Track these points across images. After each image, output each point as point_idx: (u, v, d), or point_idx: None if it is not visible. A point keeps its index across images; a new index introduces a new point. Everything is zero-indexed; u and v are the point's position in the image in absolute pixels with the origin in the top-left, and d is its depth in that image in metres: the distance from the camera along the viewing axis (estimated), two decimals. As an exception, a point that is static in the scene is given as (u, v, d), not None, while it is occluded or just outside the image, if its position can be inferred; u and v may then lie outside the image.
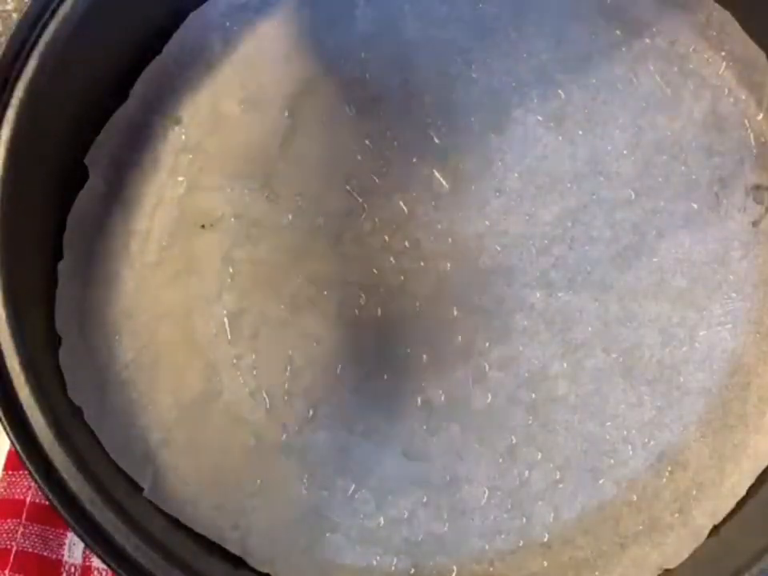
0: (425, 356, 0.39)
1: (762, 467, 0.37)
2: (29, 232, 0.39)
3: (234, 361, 0.39)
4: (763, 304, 0.40)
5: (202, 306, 0.40)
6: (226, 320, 0.40)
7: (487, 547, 0.36)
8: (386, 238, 0.40)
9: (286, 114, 0.42)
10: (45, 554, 0.38)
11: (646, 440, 0.38)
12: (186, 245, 0.41)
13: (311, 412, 0.38)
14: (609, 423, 0.38)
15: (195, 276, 0.40)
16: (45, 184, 0.40)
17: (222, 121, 0.42)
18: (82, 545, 0.39)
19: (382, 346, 0.39)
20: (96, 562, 0.39)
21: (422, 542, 0.37)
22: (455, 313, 0.39)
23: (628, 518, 0.37)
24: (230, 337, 0.39)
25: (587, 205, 0.41)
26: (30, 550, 0.38)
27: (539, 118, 0.41)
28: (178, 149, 0.43)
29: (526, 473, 0.37)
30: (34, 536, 0.39)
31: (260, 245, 0.40)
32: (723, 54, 0.43)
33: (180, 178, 0.42)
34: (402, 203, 0.41)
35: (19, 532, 0.39)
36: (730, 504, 0.37)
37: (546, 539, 0.37)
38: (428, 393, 0.38)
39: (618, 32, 0.44)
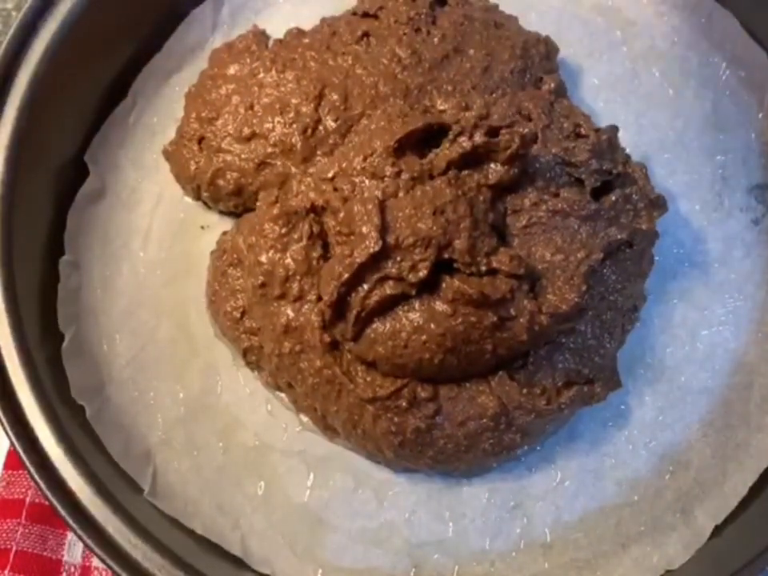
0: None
1: (765, 466, 0.37)
2: (29, 230, 0.39)
3: (235, 360, 0.39)
4: (765, 303, 0.39)
5: (203, 305, 0.40)
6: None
7: (488, 547, 0.36)
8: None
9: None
10: (45, 554, 0.38)
11: (648, 440, 0.38)
12: (186, 245, 0.41)
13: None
14: (610, 423, 0.38)
15: (195, 276, 0.40)
16: (45, 183, 0.40)
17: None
18: (81, 545, 0.39)
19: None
20: (96, 562, 0.39)
21: (423, 542, 0.36)
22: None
23: (629, 518, 0.37)
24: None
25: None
26: (30, 550, 0.38)
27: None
28: (179, 148, 0.43)
29: (527, 473, 0.37)
30: (33, 536, 0.38)
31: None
32: (724, 53, 0.43)
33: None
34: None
35: (19, 532, 0.38)
36: (732, 504, 0.36)
37: (547, 540, 0.36)
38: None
39: (618, 32, 0.44)
